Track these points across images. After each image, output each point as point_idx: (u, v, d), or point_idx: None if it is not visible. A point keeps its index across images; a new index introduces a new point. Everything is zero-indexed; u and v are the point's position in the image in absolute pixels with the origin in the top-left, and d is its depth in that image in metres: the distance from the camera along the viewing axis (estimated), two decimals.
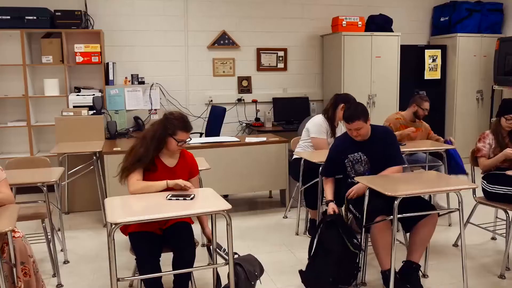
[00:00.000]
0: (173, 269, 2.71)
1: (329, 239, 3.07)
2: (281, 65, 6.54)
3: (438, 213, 3.20)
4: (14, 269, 2.57)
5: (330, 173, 3.49)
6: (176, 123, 2.82)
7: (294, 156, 4.36)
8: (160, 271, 2.69)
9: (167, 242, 2.81)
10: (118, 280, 2.34)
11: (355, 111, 3.23)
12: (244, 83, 6.41)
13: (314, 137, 4.19)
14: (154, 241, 2.75)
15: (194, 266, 2.75)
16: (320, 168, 3.66)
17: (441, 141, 4.58)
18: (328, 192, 3.45)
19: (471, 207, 3.74)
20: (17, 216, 2.55)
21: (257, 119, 6.33)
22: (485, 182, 3.65)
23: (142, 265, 2.64)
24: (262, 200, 5.38)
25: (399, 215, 2.85)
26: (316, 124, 4.20)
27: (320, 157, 3.75)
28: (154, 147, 2.82)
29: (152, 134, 2.83)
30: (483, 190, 3.66)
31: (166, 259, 3.50)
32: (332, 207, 3.29)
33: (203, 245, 3.01)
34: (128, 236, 2.79)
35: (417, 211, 2.99)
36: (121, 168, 2.87)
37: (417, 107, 4.57)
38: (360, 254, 3.12)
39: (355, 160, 3.34)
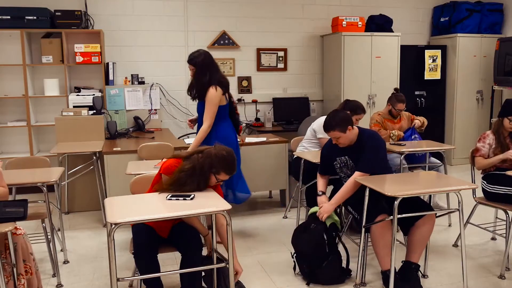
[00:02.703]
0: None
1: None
2: (281, 65, 6.54)
3: (436, 213, 3.19)
4: (14, 269, 2.58)
5: (324, 171, 3.55)
6: (223, 165, 2.74)
7: (295, 156, 4.36)
8: (158, 266, 2.72)
9: (172, 243, 2.83)
10: (118, 280, 2.34)
11: (331, 121, 3.21)
12: (244, 83, 6.41)
13: (321, 137, 4.20)
14: (154, 237, 2.78)
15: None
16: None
17: (420, 119, 4.76)
18: (320, 184, 3.53)
19: (471, 207, 3.74)
20: None
21: (257, 119, 6.33)
22: (485, 182, 3.64)
23: (138, 257, 2.67)
24: (262, 200, 5.38)
25: (398, 216, 2.85)
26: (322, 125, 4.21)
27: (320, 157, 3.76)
28: (197, 183, 2.75)
29: (200, 168, 2.73)
30: (483, 190, 3.65)
31: (167, 258, 3.51)
32: (323, 199, 3.40)
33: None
34: (131, 229, 2.83)
35: (415, 212, 2.99)
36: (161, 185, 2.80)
37: (391, 107, 4.66)
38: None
39: (342, 163, 3.36)
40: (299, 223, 4.27)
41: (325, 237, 3.17)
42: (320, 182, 3.54)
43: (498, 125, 3.68)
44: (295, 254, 3.35)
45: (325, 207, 3.24)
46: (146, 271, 2.65)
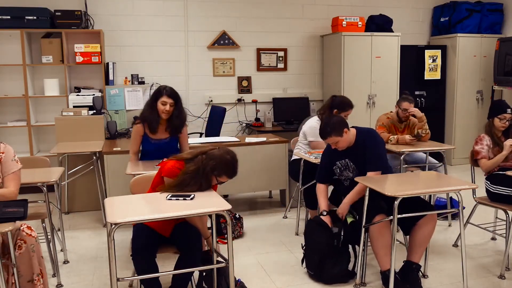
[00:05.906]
0: (176, 269, 2.73)
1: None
2: (281, 65, 6.54)
3: (437, 213, 3.20)
4: (14, 269, 2.58)
5: (323, 179, 3.48)
6: (225, 169, 2.74)
7: (293, 157, 4.35)
8: (156, 267, 2.72)
9: (173, 242, 2.84)
10: (118, 280, 2.34)
11: (326, 128, 3.21)
12: (244, 83, 6.41)
13: (312, 140, 4.20)
14: (153, 239, 2.77)
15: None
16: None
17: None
18: (321, 202, 3.41)
19: (471, 207, 3.74)
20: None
21: (257, 119, 6.33)
22: (488, 182, 3.65)
23: (136, 260, 2.67)
24: (262, 200, 5.38)
25: (398, 216, 2.85)
26: (312, 128, 4.19)
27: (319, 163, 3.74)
28: (200, 184, 2.75)
29: (203, 169, 2.74)
30: (487, 190, 3.66)
31: (167, 258, 3.51)
32: (328, 220, 3.29)
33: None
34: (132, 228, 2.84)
35: (416, 212, 2.99)
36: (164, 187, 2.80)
37: (397, 107, 4.52)
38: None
39: (343, 166, 3.35)
40: (299, 223, 4.29)
41: (341, 234, 3.21)
42: (321, 199, 3.41)
43: (489, 126, 3.76)
44: (305, 247, 3.36)
45: (342, 207, 3.23)
46: (143, 273, 2.66)
